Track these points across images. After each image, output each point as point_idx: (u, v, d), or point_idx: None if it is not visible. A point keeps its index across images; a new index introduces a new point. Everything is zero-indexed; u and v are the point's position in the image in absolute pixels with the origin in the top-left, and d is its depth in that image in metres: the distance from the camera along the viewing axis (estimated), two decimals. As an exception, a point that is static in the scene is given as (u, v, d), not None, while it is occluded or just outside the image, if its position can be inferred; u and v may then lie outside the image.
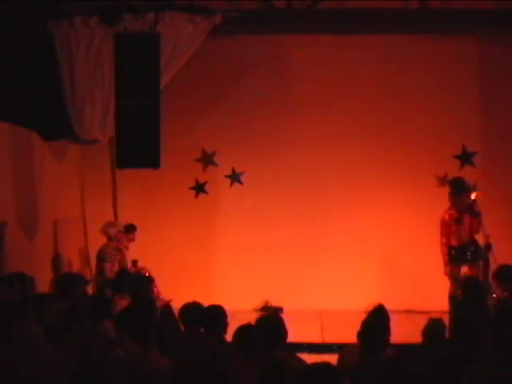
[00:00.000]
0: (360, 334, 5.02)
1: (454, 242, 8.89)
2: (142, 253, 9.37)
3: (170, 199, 10.71)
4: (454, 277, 8.87)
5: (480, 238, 8.85)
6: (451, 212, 8.93)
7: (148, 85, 8.45)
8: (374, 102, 10.51)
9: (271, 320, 5.30)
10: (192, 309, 5.96)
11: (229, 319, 5.72)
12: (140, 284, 7.38)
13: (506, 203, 10.30)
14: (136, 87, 8.40)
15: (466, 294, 6.88)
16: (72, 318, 5.52)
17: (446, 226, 8.91)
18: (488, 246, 8.77)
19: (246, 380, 4.35)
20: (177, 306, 6.26)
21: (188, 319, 5.93)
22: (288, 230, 10.58)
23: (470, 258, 8.84)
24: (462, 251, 8.87)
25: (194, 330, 5.81)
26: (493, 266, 8.55)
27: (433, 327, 5.60)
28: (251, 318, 5.41)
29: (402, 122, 10.50)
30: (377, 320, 5.15)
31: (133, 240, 9.73)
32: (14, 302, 5.47)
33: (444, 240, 8.91)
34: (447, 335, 5.86)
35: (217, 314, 5.73)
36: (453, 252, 8.88)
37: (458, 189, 8.89)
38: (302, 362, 4.95)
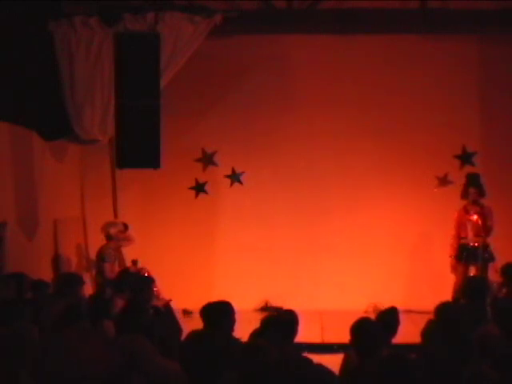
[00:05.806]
0: (350, 338, 5.03)
1: (463, 236, 9.15)
2: (141, 253, 9.35)
3: (169, 199, 10.70)
4: (458, 275, 8.96)
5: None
6: (463, 206, 9.27)
7: (148, 85, 8.45)
8: (374, 102, 10.49)
9: (288, 315, 5.47)
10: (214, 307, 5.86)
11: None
12: (140, 284, 7.38)
13: (506, 203, 10.29)
14: (136, 87, 8.41)
15: (467, 295, 6.86)
16: (71, 317, 5.53)
17: (456, 219, 9.28)
18: (485, 247, 8.84)
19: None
20: (177, 306, 6.24)
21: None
22: (288, 230, 10.57)
23: (479, 259, 8.95)
24: (473, 252, 8.96)
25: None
26: (491, 267, 8.62)
27: (432, 328, 5.59)
28: (251, 318, 5.38)
29: (402, 122, 10.48)
30: (361, 323, 5.13)
31: None
32: (8, 302, 5.49)
33: (453, 233, 9.25)
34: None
35: (221, 310, 5.63)
36: (465, 253, 8.98)
37: (472, 181, 9.27)
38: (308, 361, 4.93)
